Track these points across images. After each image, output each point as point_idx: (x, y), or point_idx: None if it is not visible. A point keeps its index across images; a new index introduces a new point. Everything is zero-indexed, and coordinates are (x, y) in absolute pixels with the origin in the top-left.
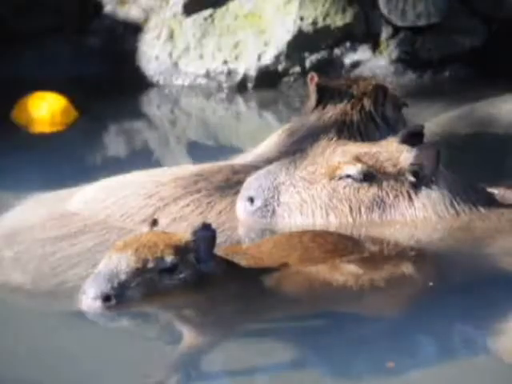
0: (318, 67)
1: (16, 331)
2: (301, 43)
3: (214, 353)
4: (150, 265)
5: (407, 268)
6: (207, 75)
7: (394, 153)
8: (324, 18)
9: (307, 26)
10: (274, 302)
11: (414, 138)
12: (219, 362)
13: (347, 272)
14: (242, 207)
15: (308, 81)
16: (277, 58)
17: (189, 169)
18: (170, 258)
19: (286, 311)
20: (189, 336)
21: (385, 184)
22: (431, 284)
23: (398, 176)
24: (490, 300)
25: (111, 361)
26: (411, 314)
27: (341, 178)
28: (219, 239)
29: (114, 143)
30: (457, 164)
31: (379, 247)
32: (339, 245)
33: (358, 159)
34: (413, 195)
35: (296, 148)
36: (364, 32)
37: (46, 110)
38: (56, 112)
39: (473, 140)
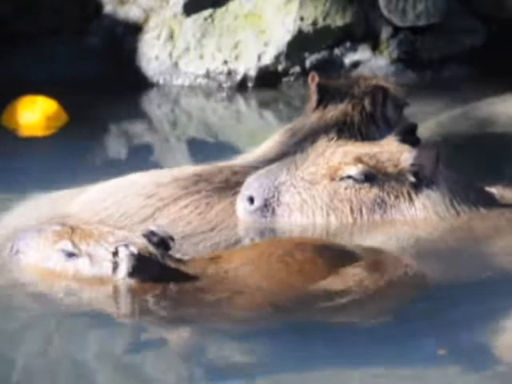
0: (317, 67)
1: (16, 332)
2: (301, 43)
3: (223, 349)
4: None
5: (383, 281)
6: (207, 75)
7: (395, 153)
8: (324, 18)
9: (307, 26)
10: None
11: (408, 135)
12: (227, 359)
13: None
14: (241, 207)
15: (309, 81)
16: (277, 58)
17: (188, 169)
18: None
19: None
20: (174, 338)
21: (386, 185)
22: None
23: (398, 176)
24: (489, 299)
25: (112, 362)
26: (409, 313)
27: (342, 179)
28: (218, 238)
29: (114, 143)
30: (457, 164)
31: (358, 260)
32: (306, 265)
33: (359, 160)
34: (413, 195)
35: (297, 148)
36: (364, 32)
37: (36, 113)
38: (47, 116)
39: (473, 140)
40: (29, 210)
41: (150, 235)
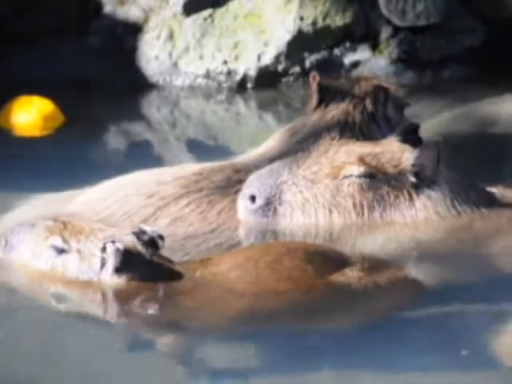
0: (317, 67)
1: (15, 332)
2: (301, 43)
3: (208, 352)
4: None
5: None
6: (207, 75)
7: (396, 153)
8: (324, 18)
9: (307, 26)
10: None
11: (410, 135)
12: (212, 362)
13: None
14: (243, 206)
15: (310, 80)
16: (277, 58)
17: (189, 168)
18: None
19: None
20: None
21: (387, 184)
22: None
23: (399, 176)
24: (490, 300)
25: (113, 363)
26: (409, 314)
27: (345, 178)
28: (219, 239)
29: (114, 144)
30: (457, 164)
31: (348, 268)
32: (295, 272)
33: (361, 160)
34: (414, 195)
35: (298, 147)
36: (364, 32)
37: (33, 114)
38: (43, 116)
39: (473, 140)
40: (29, 210)
41: (139, 233)
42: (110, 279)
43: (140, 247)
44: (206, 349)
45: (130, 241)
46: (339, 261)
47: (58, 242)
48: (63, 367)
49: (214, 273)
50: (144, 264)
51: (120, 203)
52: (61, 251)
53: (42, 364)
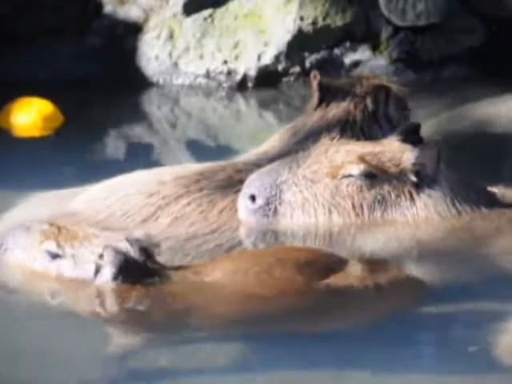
0: (317, 67)
1: (15, 331)
2: (301, 43)
3: (193, 356)
4: None
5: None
6: (207, 75)
7: (397, 152)
8: (324, 18)
9: (307, 26)
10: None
11: (411, 135)
12: (197, 364)
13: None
14: (243, 205)
15: (311, 79)
16: (277, 57)
17: (190, 167)
18: None
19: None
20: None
21: (387, 184)
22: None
23: (400, 176)
24: (490, 299)
25: (108, 363)
26: (410, 314)
27: (344, 177)
28: (220, 240)
29: (114, 143)
30: (456, 164)
31: (340, 277)
32: (284, 282)
33: (361, 159)
34: (414, 195)
35: (299, 147)
36: (364, 32)
37: (33, 115)
38: (43, 117)
39: (473, 139)
40: (29, 208)
41: (133, 239)
42: (104, 284)
43: (133, 253)
44: (198, 351)
45: (124, 247)
46: (334, 266)
47: (52, 246)
48: (59, 366)
49: (205, 281)
50: (136, 270)
51: (120, 202)
52: (55, 256)
53: (38, 364)
